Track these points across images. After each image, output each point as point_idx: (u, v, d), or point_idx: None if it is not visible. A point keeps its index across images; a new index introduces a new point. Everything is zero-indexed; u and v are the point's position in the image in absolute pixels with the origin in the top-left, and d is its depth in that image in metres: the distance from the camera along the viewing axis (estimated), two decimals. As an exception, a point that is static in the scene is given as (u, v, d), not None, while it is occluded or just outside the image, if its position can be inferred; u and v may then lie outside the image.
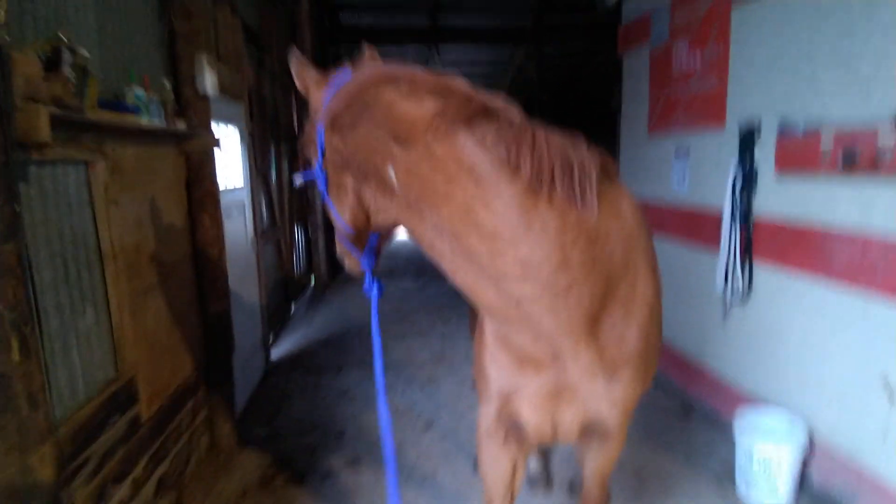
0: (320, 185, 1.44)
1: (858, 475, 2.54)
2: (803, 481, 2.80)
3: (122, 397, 2.23)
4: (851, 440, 2.58)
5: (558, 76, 11.28)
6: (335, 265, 7.96)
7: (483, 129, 1.15)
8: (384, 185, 1.28)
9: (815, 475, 2.79)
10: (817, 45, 2.69)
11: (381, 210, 1.36)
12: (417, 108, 1.17)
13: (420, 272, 8.43)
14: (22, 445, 1.44)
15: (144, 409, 2.40)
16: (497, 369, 1.50)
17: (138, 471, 2.33)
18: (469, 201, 1.16)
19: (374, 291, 1.58)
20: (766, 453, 2.66)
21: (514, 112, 1.21)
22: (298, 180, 1.50)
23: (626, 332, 1.35)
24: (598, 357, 1.34)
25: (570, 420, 1.47)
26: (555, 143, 1.19)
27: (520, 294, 1.21)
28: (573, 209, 1.18)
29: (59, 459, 1.63)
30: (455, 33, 8.97)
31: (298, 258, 6.75)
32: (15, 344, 1.41)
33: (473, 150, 1.15)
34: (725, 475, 2.96)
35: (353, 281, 7.51)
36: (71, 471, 1.83)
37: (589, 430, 1.51)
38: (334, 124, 1.30)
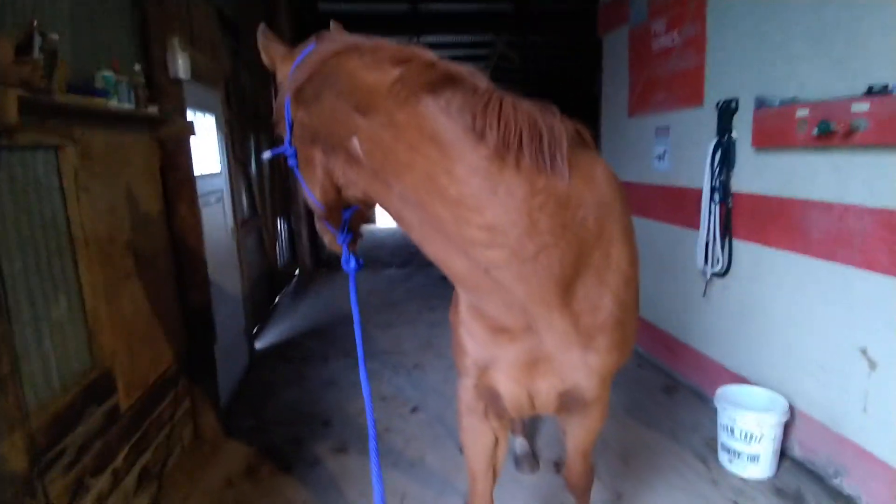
0: (290, 161, 1.41)
1: (839, 444, 2.58)
2: (785, 453, 2.85)
3: (99, 387, 2.19)
4: (832, 411, 2.62)
5: (541, 64, 11.24)
6: (319, 256, 7.91)
7: (447, 95, 1.14)
8: (351, 158, 1.26)
9: (797, 446, 2.84)
10: (792, 22, 2.70)
11: (350, 183, 1.34)
12: (379, 76, 1.15)
13: (406, 262, 8.40)
14: (-9, 434, 1.40)
15: (123, 399, 2.36)
16: (472, 341, 1.49)
17: (118, 462, 2.29)
18: (432, 169, 1.14)
19: (352, 266, 1.55)
20: (747, 425, 2.69)
21: (479, 78, 1.19)
22: (267, 155, 1.48)
23: (601, 300, 1.34)
24: (572, 326, 1.33)
25: (546, 390, 1.47)
26: (523, 109, 1.17)
27: (488, 261, 1.20)
28: (542, 175, 1.16)
29: (32, 449, 1.59)
30: (436, 19, 8.88)
31: (282, 249, 6.69)
32: (-20, 329, 1.36)
33: (436, 117, 1.13)
34: (709, 449, 3.00)
35: (338, 272, 7.46)
36: (46, 462, 1.79)
37: (567, 401, 1.51)
38: (299, 97, 1.29)
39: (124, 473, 2.34)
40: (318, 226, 1.60)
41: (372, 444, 1.54)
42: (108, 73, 2.22)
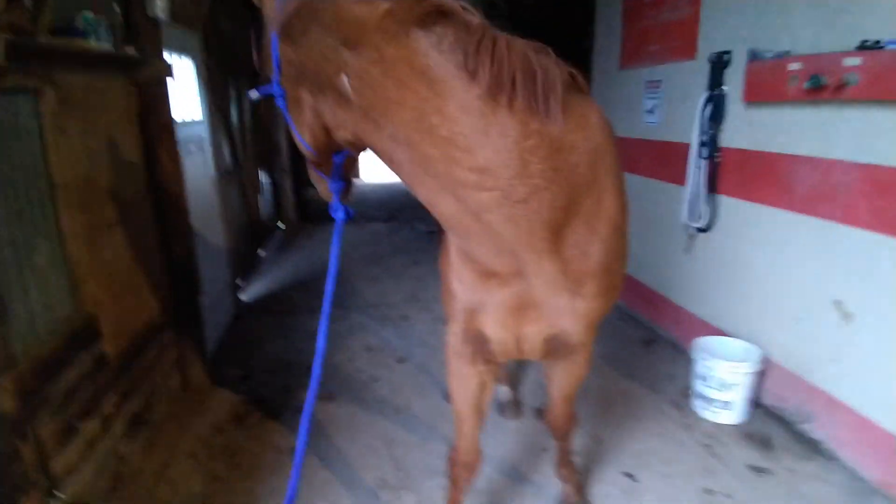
0: (278, 101, 1.37)
1: (809, 393, 2.70)
2: (758, 401, 2.98)
3: (84, 334, 2.17)
4: (804, 361, 2.73)
5: (531, 14, 10.94)
6: (304, 209, 7.81)
7: (438, 31, 1.10)
8: (340, 96, 1.23)
9: (769, 395, 2.96)
10: None
11: (339, 124, 1.31)
12: (367, 9, 1.11)
13: (391, 216, 8.36)
14: (-22, 376, 1.39)
15: (109, 346, 2.35)
16: (462, 286, 1.50)
17: (107, 407, 2.30)
18: (422, 106, 1.11)
19: (341, 214, 1.54)
20: (722, 374, 2.80)
21: (472, 15, 1.15)
22: (254, 94, 1.43)
23: (590, 247, 1.36)
24: (561, 272, 1.34)
25: (534, 335, 1.50)
26: (517, 48, 1.14)
27: (478, 203, 1.19)
28: (535, 117, 1.14)
29: (22, 392, 1.59)
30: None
31: (265, 201, 6.59)
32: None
33: (426, 53, 1.09)
34: (684, 398, 3.12)
35: (322, 226, 7.41)
36: (35, 405, 1.79)
37: (554, 346, 1.54)
38: (286, 33, 1.24)
39: (113, 419, 2.35)
40: (311, 174, 1.58)
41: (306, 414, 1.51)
42: (88, 14, 2.11)
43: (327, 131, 1.34)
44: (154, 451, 2.63)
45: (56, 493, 1.76)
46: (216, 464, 2.62)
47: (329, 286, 1.54)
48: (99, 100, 2.41)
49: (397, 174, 1.31)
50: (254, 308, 4.68)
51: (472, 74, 1.09)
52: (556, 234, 1.28)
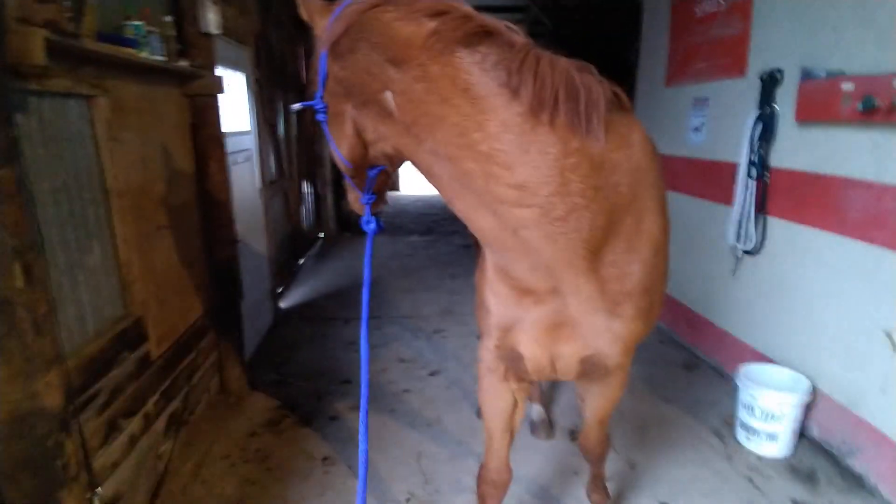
0: (319, 115, 1.41)
1: (857, 426, 2.55)
2: (804, 432, 2.82)
3: (131, 335, 2.26)
4: (853, 393, 2.58)
5: (575, 29, 10.89)
6: (344, 220, 7.96)
7: (482, 49, 1.11)
8: (383, 112, 1.26)
9: (816, 427, 2.80)
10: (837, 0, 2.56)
11: (380, 138, 1.33)
12: (414, 28, 1.13)
13: (429, 229, 8.41)
14: (27, 371, 1.46)
15: (154, 347, 2.44)
16: (497, 301, 1.49)
17: (149, 406, 2.39)
18: (464, 123, 1.12)
19: (372, 227, 1.56)
20: (768, 404, 2.66)
21: (517, 34, 1.15)
22: (296, 107, 1.47)
23: (629, 267, 1.32)
24: (598, 291, 1.31)
25: (569, 354, 1.46)
26: (560, 67, 1.14)
27: (516, 220, 1.18)
28: (577, 135, 1.13)
29: (67, 388, 1.66)
30: (468, -18, 8.62)
31: (307, 212, 6.74)
32: (18, 270, 1.41)
33: (470, 70, 1.10)
34: (726, 426, 2.99)
35: (361, 237, 7.49)
36: (81, 402, 1.87)
37: (589, 367, 1.50)
38: (334, 50, 1.27)
39: (154, 418, 2.44)
40: (345, 184, 1.61)
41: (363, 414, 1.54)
42: (138, 23, 2.21)
43: (365, 146, 1.37)
44: (191, 451, 2.70)
45: (96, 489, 1.82)
46: (250, 467, 2.67)
47: (365, 295, 1.59)
48: (152, 109, 2.53)
49: (436, 188, 1.32)
50: (292, 315, 4.77)
51: (515, 92, 1.10)
52: (594, 252, 1.26)
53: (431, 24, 1.12)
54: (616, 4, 9.15)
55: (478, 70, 1.11)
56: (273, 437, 2.93)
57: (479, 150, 1.13)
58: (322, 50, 1.31)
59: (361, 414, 1.51)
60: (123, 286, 2.25)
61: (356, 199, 1.58)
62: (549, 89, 1.11)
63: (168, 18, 2.51)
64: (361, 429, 1.50)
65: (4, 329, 1.40)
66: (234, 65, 3.64)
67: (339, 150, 1.40)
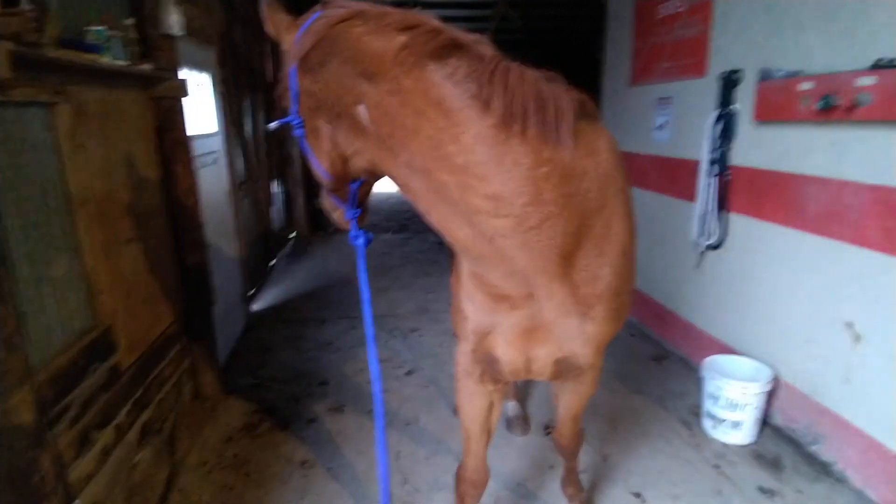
0: (296, 131, 1.41)
1: (819, 414, 2.68)
2: (766, 420, 2.95)
3: (101, 345, 2.22)
4: (815, 382, 2.70)
5: (544, 25, 10.98)
6: (316, 220, 7.89)
7: (452, 62, 1.13)
8: (357, 125, 1.27)
9: (779, 415, 2.94)
10: (796, 1, 2.65)
11: (356, 152, 1.34)
12: (385, 42, 1.15)
13: (402, 227, 8.40)
14: (1, 389, 1.43)
15: (124, 357, 2.40)
16: (473, 308, 1.52)
17: (121, 417, 2.34)
18: (438, 135, 1.14)
19: (361, 241, 1.57)
20: (732, 393, 2.78)
21: (485, 46, 1.18)
22: (273, 126, 1.47)
23: (600, 270, 1.37)
24: (571, 295, 1.36)
25: (544, 357, 1.51)
26: (529, 78, 1.17)
27: (492, 230, 1.22)
28: (547, 145, 1.17)
29: (39, 403, 1.63)
30: (436, -22, 8.60)
31: (278, 212, 6.66)
32: (-17, 287, 1.38)
33: (442, 84, 1.12)
34: (694, 416, 3.10)
35: (335, 235, 7.47)
36: (53, 416, 1.83)
37: (563, 368, 1.56)
38: (305, 64, 1.28)
39: (127, 428, 2.39)
40: (326, 202, 1.61)
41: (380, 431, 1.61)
42: (100, 28, 2.16)
43: (344, 160, 1.38)
44: (165, 461, 2.66)
45: (73, 502, 1.79)
46: (227, 473, 2.65)
47: (367, 314, 1.67)
48: (115, 114, 2.47)
49: (412, 200, 1.34)
50: (265, 317, 4.72)
51: (486, 104, 1.12)
52: (567, 258, 1.30)
53: (402, 38, 1.13)
54: (582, 4, 9.27)
55: (449, 83, 1.13)
56: (250, 441, 2.91)
57: (455, 163, 1.15)
58: (292, 64, 1.31)
59: (378, 433, 1.60)
60: (91, 296, 2.20)
61: (341, 216, 1.59)
62: (520, 101, 1.14)
63: (129, 21, 2.45)
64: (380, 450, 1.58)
65: (-30, 348, 1.36)
66: (199, 66, 3.57)
67: (320, 164, 1.41)
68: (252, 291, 4.97)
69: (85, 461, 2.03)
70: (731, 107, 3.10)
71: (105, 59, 2.13)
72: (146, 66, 2.54)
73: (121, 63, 2.26)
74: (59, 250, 2.01)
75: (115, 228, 2.40)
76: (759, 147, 2.97)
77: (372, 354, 1.61)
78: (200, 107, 3.62)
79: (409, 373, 3.69)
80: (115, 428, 2.28)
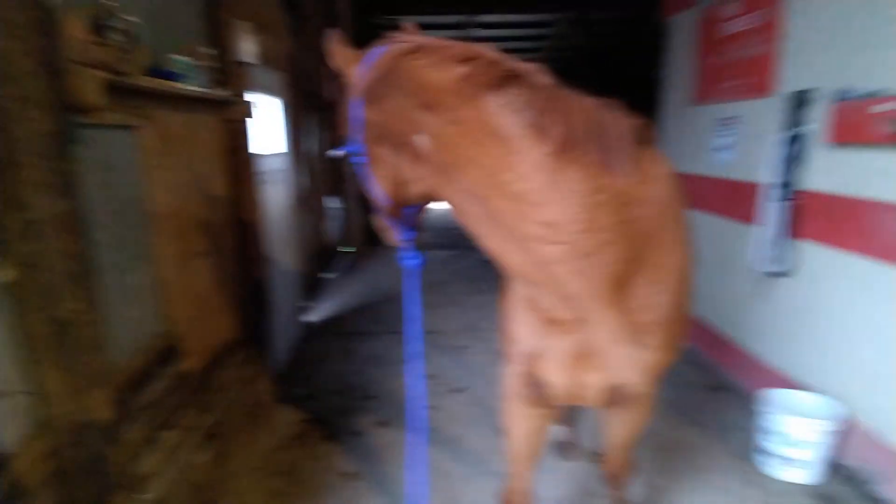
0: (356, 159, 1.47)
1: (885, 453, 2.48)
2: (834, 461, 2.76)
3: (170, 351, 2.37)
4: (881, 419, 2.52)
5: (602, 44, 10.90)
6: (370, 235, 8.08)
7: (510, 92, 1.17)
8: (417, 154, 1.32)
9: (848, 456, 2.74)
10: (877, 18, 2.53)
11: (416, 179, 1.39)
12: (445, 74, 1.20)
13: (455, 244, 8.46)
14: (83, 387, 1.57)
15: (190, 363, 2.55)
16: (524, 331, 1.53)
17: (186, 420, 2.49)
18: (495, 164, 1.18)
19: (413, 261, 1.64)
20: (796, 430, 2.62)
21: (542, 76, 1.21)
22: (336, 153, 1.56)
23: (655, 298, 1.35)
24: (625, 322, 1.35)
25: (594, 384, 1.50)
26: (585, 105, 1.19)
27: (546, 256, 1.23)
28: (604, 172, 1.18)
29: (114, 402, 1.76)
30: (496, -1, 8.74)
31: (335, 227, 6.89)
32: (79, 294, 1.52)
33: (500, 113, 1.16)
34: (751, 451, 2.94)
35: (388, 251, 7.62)
36: (124, 415, 1.98)
37: (614, 396, 1.53)
38: (368, 96, 1.34)
39: (191, 430, 2.53)
40: (379, 224, 1.67)
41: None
42: (183, 58, 2.36)
43: (403, 185, 1.44)
44: (224, 464, 2.79)
45: (141, 495, 1.91)
46: (277, 480, 2.74)
47: (411, 334, 1.67)
48: (193, 136, 2.66)
49: (468, 226, 1.37)
50: (319, 329, 4.87)
51: (543, 132, 1.15)
52: (621, 285, 1.30)
53: (461, 70, 1.18)
54: (642, 21, 9.15)
55: (507, 112, 1.16)
56: (300, 450, 3.00)
57: (510, 190, 1.18)
58: (357, 96, 1.38)
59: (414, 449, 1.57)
60: (164, 305, 2.36)
61: (395, 236, 1.65)
62: (576, 128, 1.16)
63: (210, 51, 2.65)
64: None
65: (65, 348, 1.51)
66: (268, 90, 3.79)
67: (378, 191, 1.47)
68: (310, 303, 5.15)
69: (152, 459, 2.16)
70: (802, 128, 2.97)
71: (187, 87, 2.31)
72: (222, 92, 2.73)
73: (200, 89, 2.44)
74: (137, 261, 2.18)
75: (187, 243, 2.57)
76: (833, 171, 2.82)
77: (416, 374, 1.63)
78: (271, 128, 3.83)
79: (456, 390, 3.70)
80: (180, 430, 2.42)
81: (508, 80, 1.18)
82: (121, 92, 1.98)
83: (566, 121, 1.15)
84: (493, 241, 1.33)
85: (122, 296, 2.06)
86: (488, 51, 1.22)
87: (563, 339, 1.47)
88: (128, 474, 1.86)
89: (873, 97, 2.50)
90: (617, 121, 1.21)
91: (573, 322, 1.42)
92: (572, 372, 1.51)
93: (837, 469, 2.75)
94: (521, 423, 1.73)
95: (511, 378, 1.67)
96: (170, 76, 2.27)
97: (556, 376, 1.53)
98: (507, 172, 1.17)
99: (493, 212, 1.24)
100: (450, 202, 1.37)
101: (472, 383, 3.79)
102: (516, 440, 1.75)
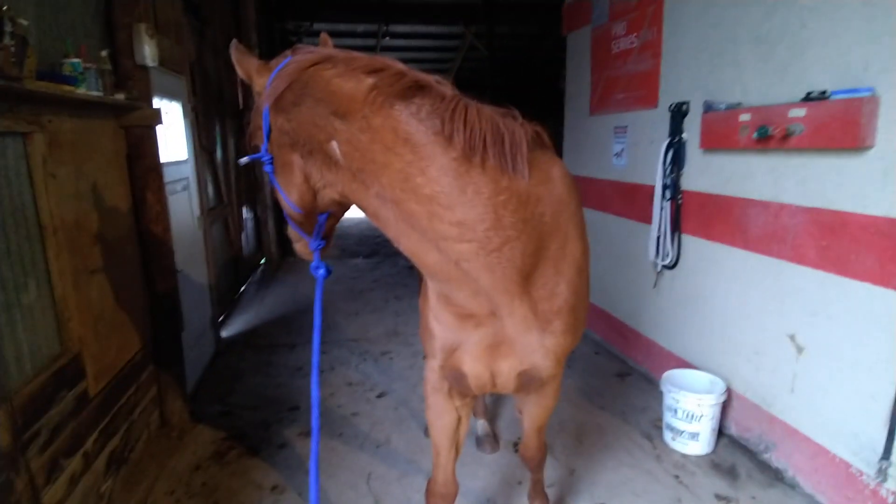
0: (267, 167, 1.49)
1: (770, 422, 2.84)
2: (722, 430, 3.10)
3: (69, 372, 2.21)
4: (764, 392, 2.87)
5: (509, 57, 11.39)
6: (285, 245, 7.87)
7: (417, 102, 1.25)
8: (329, 160, 1.36)
9: (733, 425, 3.09)
10: (740, 30, 2.89)
11: (328, 184, 1.43)
12: (355, 84, 1.26)
13: (373, 251, 8.46)
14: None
15: (92, 384, 2.39)
16: (440, 326, 1.61)
17: (88, 445, 2.33)
18: (406, 168, 1.25)
19: (322, 272, 1.63)
20: (689, 406, 2.92)
21: (446, 87, 1.31)
22: (244, 160, 1.55)
23: (557, 287, 1.49)
24: (531, 311, 1.47)
25: (507, 370, 1.61)
26: (486, 114, 1.30)
27: (458, 254, 1.32)
28: (505, 175, 1.29)
29: (14, 427, 1.63)
30: (406, 9, 8.89)
31: (247, 237, 6.65)
32: (-41, 313, 1.40)
33: (408, 121, 1.24)
34: (655, 429, 3.23)
35: (304, 261, 7.46)
36: (24, 441, 1.83)
37: (525, 380, 1.65)
38: (278, 104, 1.37)
39: (94, 456, 2.37)
40: (291, 233, 1.67)
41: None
42: (75, 61, 2.22)
43: (314, 192, 1.47)
44: (133, 490, 2.63)
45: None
46: (195, 501, 2.63)
47: (315, 343, 1.62)
48: (88, 143, 2.51)
49: (382, 229, 1.44)
50: (234, 343, 4.69)
51: (449, 139, 1.25)
52: (526, 277, 1.41)
53: (370, 80, 1.25)
54: (546, 33, 9.69)
55: (415, 120, 1.25)
56: (219, 469, 2.89)
57: (423, 193, 1.26)
58: (265, 104, 1.40)
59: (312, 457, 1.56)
60: (60, 324, 2.20)
61: (304, 246, 1.65)
62: (478, 135, 1.26)
63: (104, 53, 2.51)
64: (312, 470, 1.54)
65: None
66: (170, 94, 3.62)
67: (289, 198, 1.49)
68: (222, 317, 4.93)
69: (54, 488, 2.01)
70: (681, 136, 3.33)
71: (81, 90, 2.19)
72: (120, 96, 2.59)
73: (95, 94, 2.31)
74: (29, 277, 2.03)
75: (84, 256, 2.41)
76: (705, 173, 3.19)
77: (315, 391, 1.59)
78: (170, 134, 3.66)
79: (380, 395, 3.72)
80: (83, 455, 2.27)
81: (415, 90, 1.26)
82: (11, 97, 1.85)
83: (469, 128, 1.25)
84: (407, 242, 1.40)
85: (13, 313, 1.91)
86: (395, 62, 1.30)
87: (476, 332, 1.57)
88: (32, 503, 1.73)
89: (733, 109, 2.87)
90: (514, 128, 1.33)
91: (485, 315, 1.53)
92: (486, 361, 1.61)
93: (727, 439, 3.10)
94: (443, 416, 1.81)
95: (431, 372, 1.75)
96: (61, 79, 2.13)
97: (472, 367, 1.63)
98: (418, 177, 1.25)
99: (406, 214, 1.31)
100: (363, 207, 1.42)
101: (395, 387, 3.83)
102: (439, 432, 1.83)
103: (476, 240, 1.29)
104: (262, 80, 1.42)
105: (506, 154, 1.29)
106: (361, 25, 9.86)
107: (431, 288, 1.62)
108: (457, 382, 1.69)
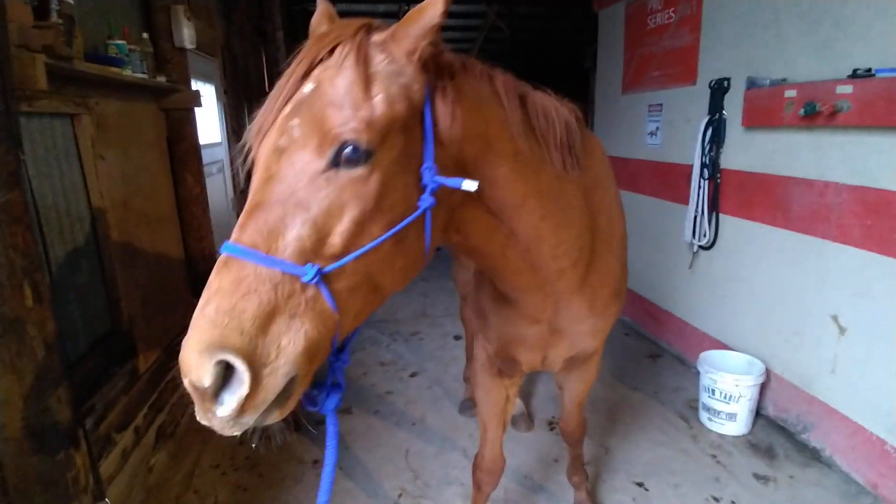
0: (424, 200, 0.97)
1: (808, 403, 2.81)
2: (759, 411, 3.08)
3: (120, 350, 2.29)
4: (804, 373, 2.84)
5: (531, 36, 11.19)
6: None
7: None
8: (467, 197, 1.07)
9: (771, 406, 3.07)
10: (782, 3, 2.80)
11: (455, 226, 1.13)
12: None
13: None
14: (39, 388, 1.50)
15: (141, 361, 2.46)
16: (500, 321, 1.58)
17: (139, 420, 2.41)
18: (556, 188, 1.25)
19: (334, 401, 1.02)
20: (726, 386, 2.90)
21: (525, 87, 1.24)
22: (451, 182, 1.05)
23: (610, 265, 1.49)
24: (587, 303, 1.47)
25: (558, 355, 1.62)
26: (548, 111, 1.23)
27: (557, 269, 1.34)
28: (575, 174, 1.28)
29: (74, 402, 1.69)
30: (426, -11, 8.74)
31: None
32: (28, 290, 1.45)
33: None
34: (690, 410, 3.22)
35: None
36: (82, 416, 1.90)
37: (573, 361, 1.67)
38: (457, 87, 1.08)
39: (144, 431, 2.46)
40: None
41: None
42: (121, 42, 2.25)
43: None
44: (180, 462, 2.72)
45: (104, 500, 1.85)
46: (241, 474, 2.71)
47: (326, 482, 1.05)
48: (132, 125, 2.55)
49: (484, 267, 1.39)
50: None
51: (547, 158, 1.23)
52: (588, 270, 1.42)
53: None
54: (568, 13, 9.48)
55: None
56: (262, 443, 2.96)
57: (568, 215, 1.28)
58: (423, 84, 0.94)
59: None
60: (111, 302, 2.27)
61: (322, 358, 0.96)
62: (555, 141, 1.22)
63: (145, 36, 2.53)
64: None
65: (17, 348, 1.43)
66: (204, 77, 3.65)
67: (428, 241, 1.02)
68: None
69: (108, 462, 2.09)
70: (721, 113, 3.25)
71: (126, 73, 2.21)
72: (161, 79, 2.62)
73: (141, 76, 2.34)
74: (81, 257, 2.09)
75: (131, 237, 2.47)
76: (747, 151, 3.12)
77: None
78: (205, 117, 3.70)
79: (413, 374, 3.77)
80: (133, 430, 2.35)
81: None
82: (59, 78, 1.88)
83: (551, 135, 1.19)
84: (514, 276, 1.34)
85: (68, 293, 1.97)
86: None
87: (533, 328, 1.55)
88: (89, 478, 1.79)
89: (778, 85, 2.79)
90: (567, 118, 1.25)
91: (547, 312, 1.50)
92: (540, 350, 1.61)
93: (765, 420, 3.08)
94: (492, 394, 1.82)
95: (483, 353, 1.76)
96: (108, 61, 2.16)
97: (526, 356, 1.64)
98: (561, 199, 1.25)
99: (536, 241, 1.24)
100: (481, 248, 1.23)
101: (427, 367, 3.87)
102: (487, 409, 1.85)
103: (571, 254, 1.32)
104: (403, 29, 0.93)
105: (574, 154, 1.27)
106: (382, 6, 9.76)
107: (494, 286, 1.52)
108: (508, 367, 1.71)
